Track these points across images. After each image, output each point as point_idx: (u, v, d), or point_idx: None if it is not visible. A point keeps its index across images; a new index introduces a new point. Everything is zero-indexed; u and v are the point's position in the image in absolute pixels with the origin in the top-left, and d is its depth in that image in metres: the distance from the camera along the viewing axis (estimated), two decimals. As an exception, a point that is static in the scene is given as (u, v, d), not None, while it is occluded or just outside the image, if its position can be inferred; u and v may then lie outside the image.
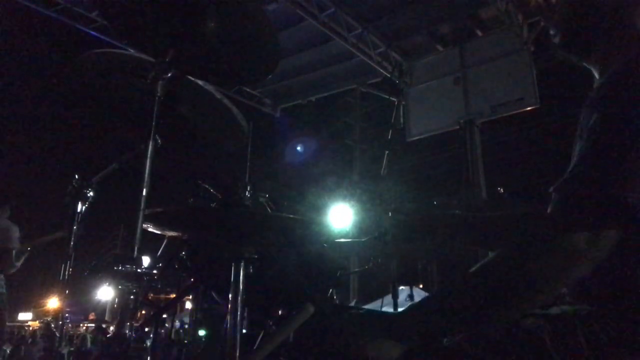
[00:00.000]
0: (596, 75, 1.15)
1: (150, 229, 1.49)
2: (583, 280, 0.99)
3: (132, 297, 1.38)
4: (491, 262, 0.93)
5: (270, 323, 1.69)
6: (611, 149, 0.85)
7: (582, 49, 1.15)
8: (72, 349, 11.04)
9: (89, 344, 11.84)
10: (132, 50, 1.83)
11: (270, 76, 1.78)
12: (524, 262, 0.87)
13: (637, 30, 1.07)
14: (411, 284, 3.93)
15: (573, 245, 0.83)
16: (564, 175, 0.89)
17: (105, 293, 21.04)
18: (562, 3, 1.17)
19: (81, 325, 23.24)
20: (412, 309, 1.01)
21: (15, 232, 4.17)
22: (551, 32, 1.19)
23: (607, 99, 0.92)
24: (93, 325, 20.79)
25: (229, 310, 1.35)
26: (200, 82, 1.77)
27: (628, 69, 0.95)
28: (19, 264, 4.12)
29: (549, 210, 0.90)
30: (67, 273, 1.84)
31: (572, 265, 0.83)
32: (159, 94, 1.50)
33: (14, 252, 4.05)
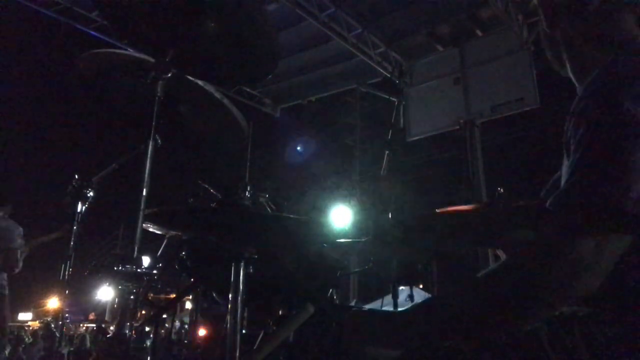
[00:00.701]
0: (576, 84, 1.16)
1: (150, 229, 1.49)
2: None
3: (132, 297, 1.38)
4: (498, 270, 0.93)
5: (270, 323, 1.69)
6: (605, 155, 0.85)
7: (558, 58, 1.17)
8: (72, 349, 11.04)
9: (88, 344, 11.83)
10: (132, 50, 1.83)
11: (270, 76, 1.78)
12: (530, 272, 0.86)
13: (611, 37, 1.07)
14: (411, 284, 3.93)
15: (579, 255, 0.82)
16: (560, 188, 0.89)
17: (105, 293, 21.02)
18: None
19: (81, 325, 23.22)
20: (415, 310, 1.01)
21: (19, 232, 4.18)
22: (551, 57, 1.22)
23: (591, 107, 0.92)
24: (93, 325, 20.78)
25: (229, 310, 1.35)
26: (200, 82, 1.77)
27: (607, 74, 0.96)
28: (21, 263, 4.15)
29: (546, 222, 0.90)
30: (67, 273, 1.85)
31: (579, 275, 0.83)
32: (159, 94, 1.50)
33: (19, 252, 4.07)
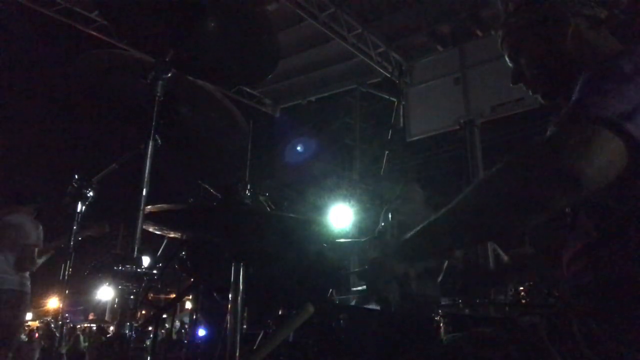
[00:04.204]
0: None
1: (150, 229, 1.49)
2: (580, 276, 1.00)
3: (132, 297, 1.38)
4: (496, 172, 0.95)
5: (270, 323, 1.69)
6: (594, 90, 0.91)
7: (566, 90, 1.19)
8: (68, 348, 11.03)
9: (82, 343, 11.82)
10: (132, 50, 1.83)
11: (270, 76, 1.78)
12: (520, 174, 0.89)
13: (599, 49, 1.12)
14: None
15: (572, 142, 0.84)
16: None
17: (105, 293, 21.01)
18: (528, 64, 1.24)
19: (79, 325, 23.21)
20: (418, 232, 1.03)
21: (39, 231, 4.18)
22: (532, 94, 1.25)
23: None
24: (90, 325, 20.76)
25: (229, 310, 1.35)
26: (200, 82, 1.77)
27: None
28: (40, 261, 4.13)
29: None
30: (67, 273, 1.85)
31: (572, 164, 0.83)
32: (159, 94, 1.50)
33: (36, 250, 4.07)
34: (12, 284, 3.93)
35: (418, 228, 1.02)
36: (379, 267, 1.05)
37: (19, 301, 4.00)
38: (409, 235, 1.03)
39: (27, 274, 4.09)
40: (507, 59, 1.30)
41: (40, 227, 4.20)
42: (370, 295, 1.15)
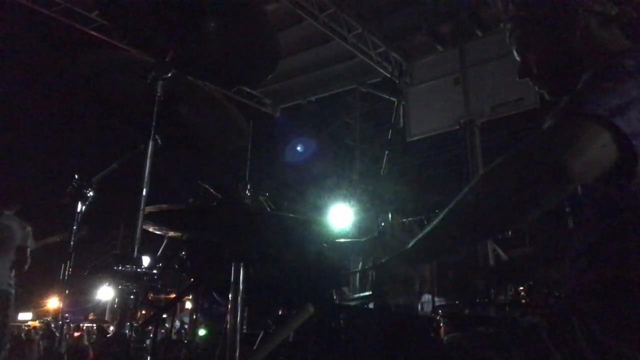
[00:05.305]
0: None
1: (150, 229, 1.49)
2: (582, 275, 1.00)
3: (132, 297, 1.38)
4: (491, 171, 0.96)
5: (270, 323, 1.69)
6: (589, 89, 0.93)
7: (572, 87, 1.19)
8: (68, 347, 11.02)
9: (85, 342, 11.83)
10: (132, 50, 1.83)
11: (270, 76, 1.78)
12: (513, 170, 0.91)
13: (604, 44, 1.12)
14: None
15: (564, 135, 0.85)
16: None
17: (105, 293, 21.02)
18: (535, 59, 1.23)
19: (80, 325, 23.20)
20: (422, 236, 1.04)
21: (28, 231, 4.23)
22: (538, 89, 1.26)
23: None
24: (92, 325, 20.77)
25: (229, 310, 1.35)
26: (200, 82, 1.77)
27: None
28: (29, 261, 4.22)
29: None
30: (67, 273, 1.85)
31: (564, 156, 0.83)
32: (159, 94, 1.50)
33: (28, 250, 4.14)
34: (2, 285, 3.99)
35: (422, 232, 1.03)
36: (385, 272, 1.06)
37: (8, 302, 4.05)
38: (414, 240, 1.04)
39: (13, 274, 4.15)
40: (514, 52, 1.29)
41: (29, 228, 4.25)
42: (376, 298, 1.16)
